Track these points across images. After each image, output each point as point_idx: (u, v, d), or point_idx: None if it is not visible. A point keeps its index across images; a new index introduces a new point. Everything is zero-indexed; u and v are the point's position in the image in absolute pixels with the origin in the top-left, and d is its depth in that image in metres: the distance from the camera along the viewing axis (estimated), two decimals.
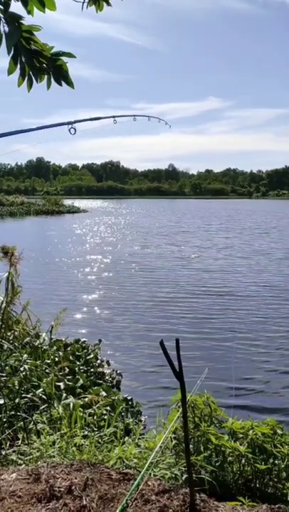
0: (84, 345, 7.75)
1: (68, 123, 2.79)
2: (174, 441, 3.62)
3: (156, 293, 14.02)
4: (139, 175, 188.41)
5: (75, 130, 2.76)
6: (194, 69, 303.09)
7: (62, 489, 2.53)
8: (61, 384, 5.59)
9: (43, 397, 4.76)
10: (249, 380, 7.65)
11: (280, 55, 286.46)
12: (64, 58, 2.48)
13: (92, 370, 6.81)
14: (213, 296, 13.45)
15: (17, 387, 4.61)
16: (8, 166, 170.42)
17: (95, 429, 4.29)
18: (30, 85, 2.44)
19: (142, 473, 2.70)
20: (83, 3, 2.63)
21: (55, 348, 6.98)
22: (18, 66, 2.37)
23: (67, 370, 6.27)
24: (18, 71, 2.38)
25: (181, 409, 3.05)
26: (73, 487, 2.55)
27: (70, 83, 2.51)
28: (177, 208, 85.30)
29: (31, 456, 3.50)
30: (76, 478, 2.65)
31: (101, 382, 6.43)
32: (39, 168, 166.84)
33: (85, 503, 2.43)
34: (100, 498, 2.48)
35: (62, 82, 2.50)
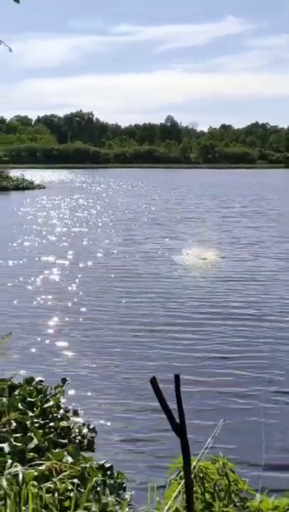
0: (40, 387, 7.73)
1: None
2: None
3: (145, 314, 14.04)
4: (121, 132, 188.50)
5: None
6: None
7: None
8: (5, 445, 5.58)
9: None
10: (285, 440, 7.71)
11: None
12: None
13: (51, 424, 6.81)
14: (232, 319, 13.43)
15: None
16: None
17: None
18: None
19: None
20: None
21: None
22: None
23: (14, 424, 6.25)
24: None
25: (183, 481, 3.05)
26: None
27: None
28: (179, 182, 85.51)
29: None
30: None
31: (65, 441, 6.42)
32: None
33: None
34: None
35: None
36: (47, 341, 11.83)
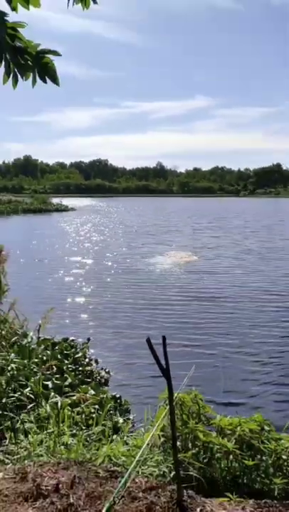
0: (72, 343, 7.74)
1: None
2: (163, 439, 3.63)
3: (144, 294, 13.98)
4: (127, 173, 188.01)
5: None
6: (183, 67, 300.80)
7: (49, 488, 2.53)
8: (49, 383, 5.58)
9: (31, 396, 4.74)
10: (237, 378, 7.72)
11: (271, 55, 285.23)
12: (50, 56, 2.46)
13: (80, 368, 6.80)
14: (201, 299, 13.32)
15: (4, 387, 4.59)
16: None
17: (83, 427, 4.28)
18: (15, 82, 2.43)
19: (129, 470, 2.70)
20: (69, 0, 2.62)
21: (42, 346, 6.96)
22: (3, 63, 2.35)
23: (55, 369, 6.25)
24: (2, 68, 2.37)
25: (168, 407, 3.06)
26: (60, 485, 2.55)
27: (55, 80, 2.49)
28: (165, 206, 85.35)
29: (19, 456, 3.49)
30: (63, 477, 2.65)
31: (89, 380, 6.42)
32: (27, 167, 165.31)
33: (72, 501, 2.43)
34: (86, 496, 2.49)
35: (48, 80, 2.48)
36: (76, 314, 11.81)
